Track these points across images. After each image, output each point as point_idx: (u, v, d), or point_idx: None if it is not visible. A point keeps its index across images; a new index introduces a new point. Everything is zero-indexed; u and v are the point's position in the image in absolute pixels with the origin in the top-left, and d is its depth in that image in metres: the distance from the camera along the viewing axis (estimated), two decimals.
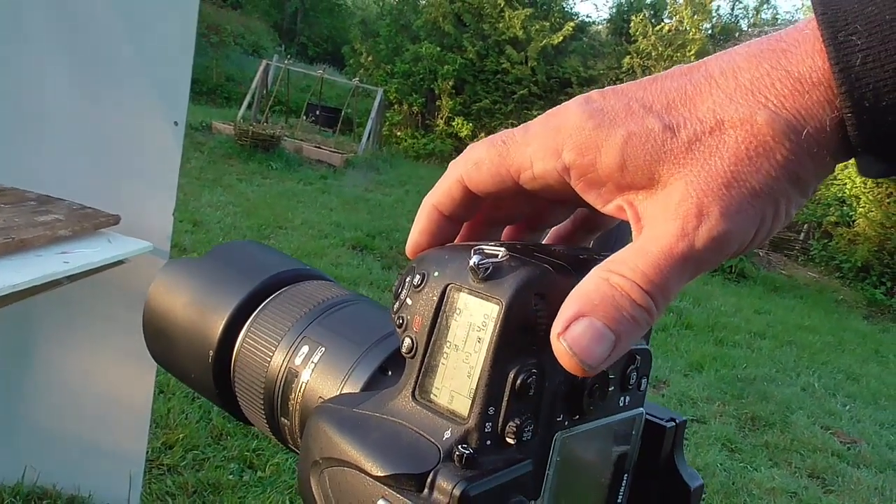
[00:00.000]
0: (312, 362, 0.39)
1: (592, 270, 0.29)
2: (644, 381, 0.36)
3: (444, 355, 0.30)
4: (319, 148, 9.71)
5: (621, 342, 0.28)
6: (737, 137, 0.28)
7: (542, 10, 13.92)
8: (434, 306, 0.31)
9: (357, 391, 0.37)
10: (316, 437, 0.32)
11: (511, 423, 0.29)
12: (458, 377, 0.30)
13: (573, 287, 0.29)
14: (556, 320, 0.28)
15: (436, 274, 0.31)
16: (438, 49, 13.22)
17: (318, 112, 11.66)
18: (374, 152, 10.98)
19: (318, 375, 0.39)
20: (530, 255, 0.31)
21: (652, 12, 14.06)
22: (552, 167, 0.31)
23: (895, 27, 0.26)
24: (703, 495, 0.39)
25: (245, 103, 10.39)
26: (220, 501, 2.23)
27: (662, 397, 4.12)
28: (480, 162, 0.33)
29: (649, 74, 0.32)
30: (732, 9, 16.20)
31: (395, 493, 0.28)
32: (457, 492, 0.27)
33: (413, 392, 0.31)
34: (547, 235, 0.39)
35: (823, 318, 7.24)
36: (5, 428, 1.98)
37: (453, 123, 13.33)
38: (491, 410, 0.29)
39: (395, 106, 13.60)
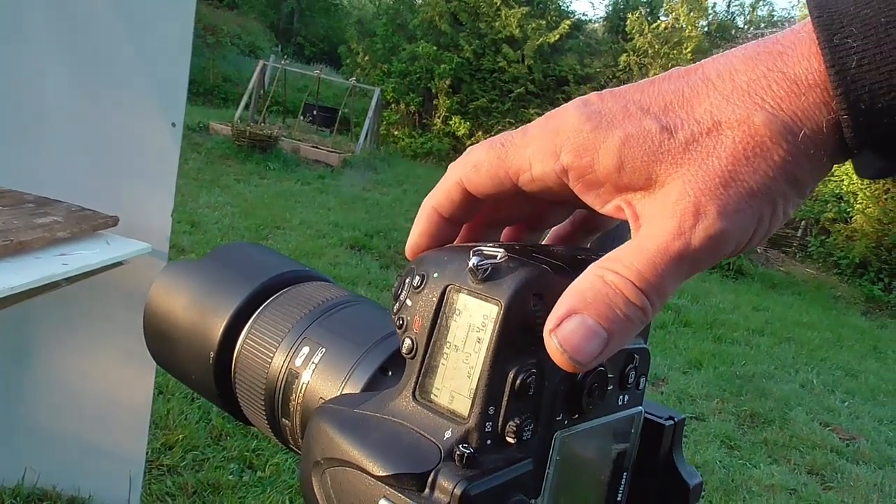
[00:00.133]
0: (313, 363, 0.40)
1: (588, 267, 0.29)
2: (642, 379, 0.37)
3: (444, 356, 0.31)
4: (317, 148, 9.70)
5: (613, 340, 0.28)
6: (734, 138, 0.28)
7: (539, 9, 13.91)
8: (434, 307, 0.31)
9: (358, 392, 0.37)
10: (317, 438, 0.32)
11: (511, 423, 0.29)
12: (458, 377, 0.30)
13: None
14: (549, 317, 0.29)
15: (435, 275, 0.31)
16: (435, 48, 13.21)
17: (315, 112, 11.65)
18: (372, 152, 10.97)
19: (318, 376, 0.39)
20: (529, 255, 0.31)
21: (648, 10, 14.06)
22: (550, 169, 0.31)
23: (890, 30, 0.26)
24: (703, 493, 0.39)
25: (242, 104, 10.38)
26: (220, 502, 2.23)
27: (661, 395, 4.12)
28: (479, 164, 0.33)
29: (646, 72, 0.32)
30: (728, 6, 16.23)
31: (396, 492, 0.28)
32: (458, 491, 0.28)
33: (413, 392, 0.31)
34: (546, 237, 0.40)
35: (822, 315, 7.25)
36: (5, 429, 1.98)
37: (450, 122, 13.33)
38: (491, 410, 0.29)
39: (392, 105, 13.60)
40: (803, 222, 10.34)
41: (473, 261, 0.30)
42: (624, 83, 0.32)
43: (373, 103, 11.05)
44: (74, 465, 1.97)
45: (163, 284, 0.47)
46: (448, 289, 0.31)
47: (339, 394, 0.38)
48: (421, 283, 0.32)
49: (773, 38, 0.29)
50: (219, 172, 7.42)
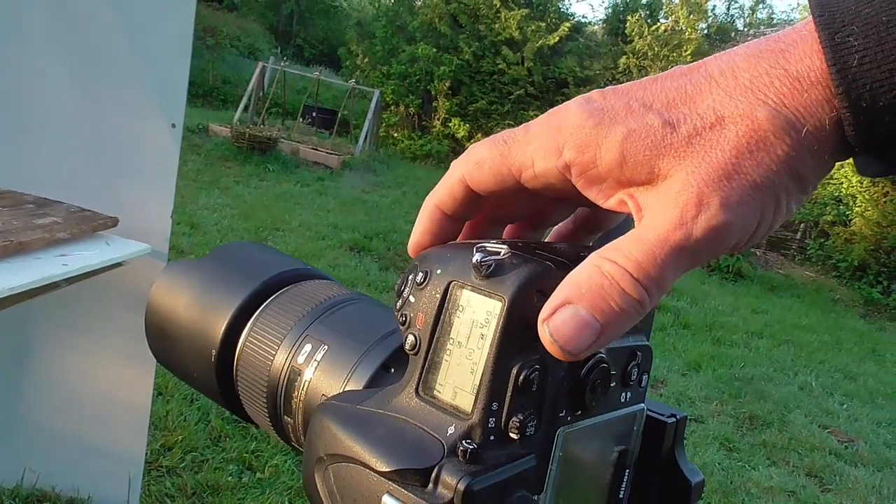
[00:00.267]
0: (315, 360, 0.40)
1: (589, 256, 0.29)
2: (645, 377, 0.37)
3: (448, 352, 0.31)
4: (316, 150, 9.71)
5: (606, 332, 0.28)
6: (737, 132, 0.28)
7: (538, 11, 13.92)
8: (437, 303, 0.31)
9: (360, 388, 0.37)
10: (320, 434, 0.32)
11: (514, 419, 0.29)
12: (462, 373, 0.30)
13: None
14: (544, 306, 0.29)
15: (438, 271, 0.32)
16: (434, 50, 13.22)
17: (314, 114, 11.66)
18: (371, 154, 10.97)
19: (321, 373, 0.39)
20: (532, 252, 0.31)
21: (648, 12, 14.08)
22: (553, 165, 0.31)
23: (891, 28, 0.26)
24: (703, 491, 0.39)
25: (241, 105, 10.37)
26: (219, 503, 2.23)
27: (660, 397, 4.12)
28: (482, 161, 0.33)
29: (645, 74, 0.32)
30: (728, 8, 16.22)
31: (399, 488, 0.28)
32: (461, 486, 0.28)
33: (416, 388, 0.31)
34: (548, 236, 0.40)
35: (820, 318, 7.26)
36: (4, 430, 1.98)
37: (450, 124, 13.34)
38: (494, 406, 0.29)
39: (392, 107, 13.61)
40: (802, 225, 10.35)
41: (477, 257, 0.30)
42: None
43: (372, 105, 11.05)
44: (74, 466, 1.97)
45: (164, 283, 0.47)
46: (451, 285, 0.31)
47: (341, 391, 0.38)
48: (424, 280, 0.32)
49: (775, 36, 0.29)
50: (218, 174, 7.42)
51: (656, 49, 12.55)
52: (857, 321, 7.71)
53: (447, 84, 13.27)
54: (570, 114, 0.31)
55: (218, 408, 2.72)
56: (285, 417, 0.41)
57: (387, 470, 0.29)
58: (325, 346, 0.40)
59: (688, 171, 0.28)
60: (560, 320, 0.28)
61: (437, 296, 0.31)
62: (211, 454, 2.48)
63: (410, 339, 0.32)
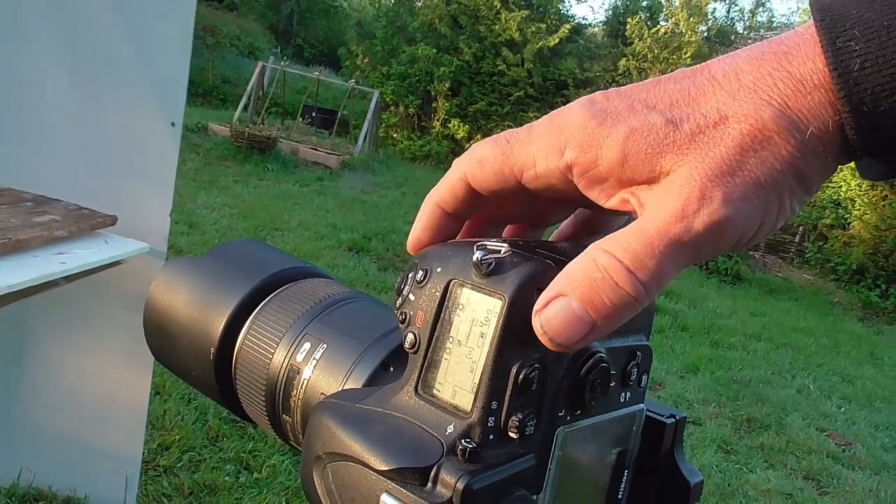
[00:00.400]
0: (314, 359, 0.39)
1: (587, 248, 0.29)
2: (644, 377, 0.37)
3: (447, 350, 0.31)
4: (316, 150, 9.70)
5: (599, 326, 0.28)
6: (741, 130, 0.28)
7: (539, 13, 13.92)
8: (437, 302, 0.31)
9: (359, 387, 0.37)
10: (319, 433, 0.32)
11: (514, 418, 0.29)
12: (461, 372, 0.30)
13: None
14: (539, 297, 0.29)
15: (438, 270, 0.31)
16: (435, 51, 13.21)
17: (314, 114, 11.65)
18: (371, 154, 10.97)
19: (320, 372, 0.39)
20: (532, 251, 0.31)
21: (648, 15, 14.08)
22: (555, 165, 0.31)
23: (892, 33, 0.26)
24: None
25: (241, 105, 10.36)
26: (217, 503, 2.23)
27: (658, 399, 4.12)
28: (484, 160, 0.33)
29: (645, 77, 0.32)
30: (728, 11, 16.22)
31: (398, 486, 0.28)
32: (460, 485, 0.27)
33: (416, 387, 0.31)
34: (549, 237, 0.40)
35: (819, 321, 7.26)
36: (1, 428, 1.97)
37: (449, 125, 13.33)
38: (494, 405, 0.29)
39: (392, 108, 13.60)
40: (801, 228, 10.36)
41: (477, 255, 0.30)
42: None
43: (372, 105, 11.04)
44: (71, 465, 1.97)
45: (164, 280, 0.47)
46: (451, 283, 0.31)
47: (340, 389, 0.38)
48: (424, 278, 0.32)
49: (777, 39, 0.30)
50: (217, 173, 7.42)
51: (656, 51, 12.55)
52: (855, 324, 7.71)
53: (447, 85, 13.26)
54: (572, 114, 0.31)
55: (216, 407, 2.71)
56: (284, 416, 0.41)
57: (385, 468, 0.29)
58: (324, 345, 0.40)
59: (691, 166, 0.28)
60: (552, 312, 0.28)
61: (437, 294, 0.31)
62: (208, 454, 2.47)
63: (410, 337, 0.32)
